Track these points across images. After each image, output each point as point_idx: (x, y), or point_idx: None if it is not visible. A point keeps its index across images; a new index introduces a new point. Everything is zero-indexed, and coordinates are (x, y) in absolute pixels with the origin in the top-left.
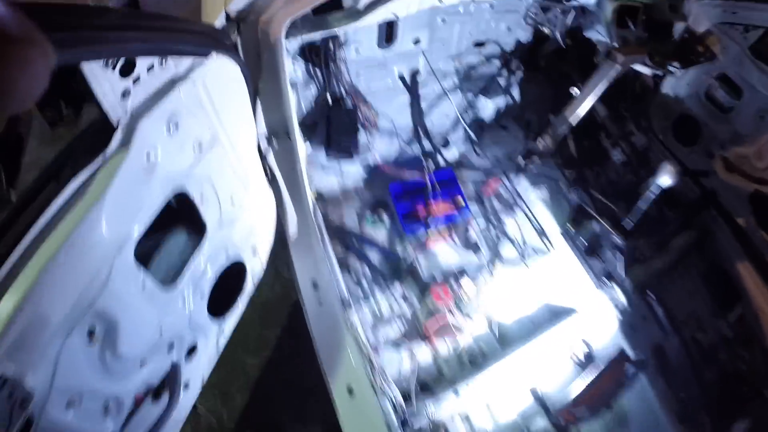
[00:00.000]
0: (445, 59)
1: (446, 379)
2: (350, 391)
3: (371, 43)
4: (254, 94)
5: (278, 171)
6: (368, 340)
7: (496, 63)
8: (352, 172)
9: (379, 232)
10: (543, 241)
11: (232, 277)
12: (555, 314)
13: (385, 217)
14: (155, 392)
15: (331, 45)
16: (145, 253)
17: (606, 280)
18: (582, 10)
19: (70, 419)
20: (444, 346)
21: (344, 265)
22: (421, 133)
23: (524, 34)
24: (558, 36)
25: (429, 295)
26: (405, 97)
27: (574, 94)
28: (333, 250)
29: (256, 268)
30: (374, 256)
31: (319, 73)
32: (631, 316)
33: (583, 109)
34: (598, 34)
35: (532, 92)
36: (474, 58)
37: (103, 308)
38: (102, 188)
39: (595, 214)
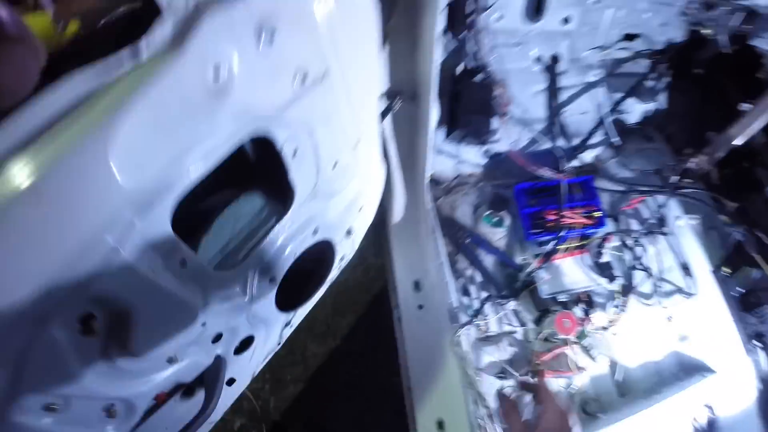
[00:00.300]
0: (590, 48)
1: None
2: (440, 425)
3: (517, 12)
4: (385, 34)
5: (392, 139)
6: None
7: (644, 63)
8: (472, 158)
9: (496, 235)
10: (687, 280)
11: (313, 259)
12: (687, 369)
13: (506, 218)
14: (186, 390)
15: (475, 2)
16: (193, 218)
17: (757, 342)
18: (752, 12)
19: (46, 426)
20: (555, 384)
21: (452, 267)
22: (557, 128)
23: (678, 33)
24: (720, 39)
25: (549, 321)
26: (541, 85)
27: (744, 109)
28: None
29: (346, 252)
30: (488, 261)
31: (452, 37)
32: None
33: (753, 130)
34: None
35: (679, 102)
36: (622, 53)
37: (106, 291)
38: (122, 104)
39: (761, 260)
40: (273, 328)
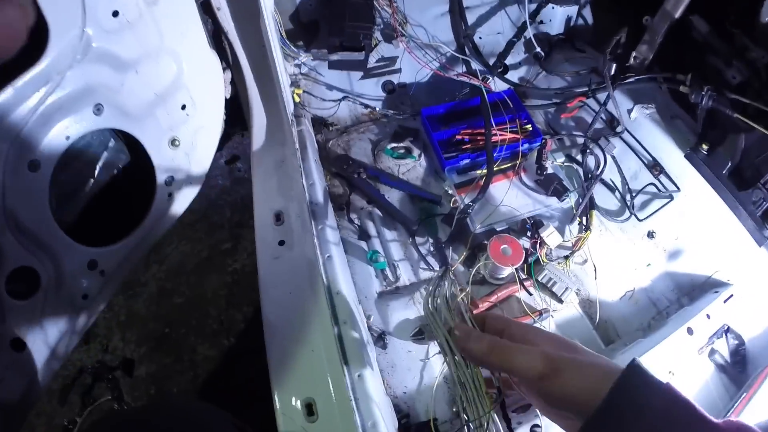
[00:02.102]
0: None
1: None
2: (310, 409)
3: None
4: None
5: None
6: (369, 327)
7: None
8: (369, 92)
9: (403, 168)
10: (657, 178)
11: (125, 178)
12: (689, 290)
13: (415, 150)
14: None
15: None
16: None
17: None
18: None
19: None
20: None
21: (343, 209)
22: (468, 49)
23: None
24: None
25: (484, 256)
26: (442, 7)
27: None
28: (320, 172)
29: (178, 174)
30: (394, 197)
31: None
32: None
33: None
34: None
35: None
36: None
37: None
38: None
39: (743, 118)
40: (63, 261)
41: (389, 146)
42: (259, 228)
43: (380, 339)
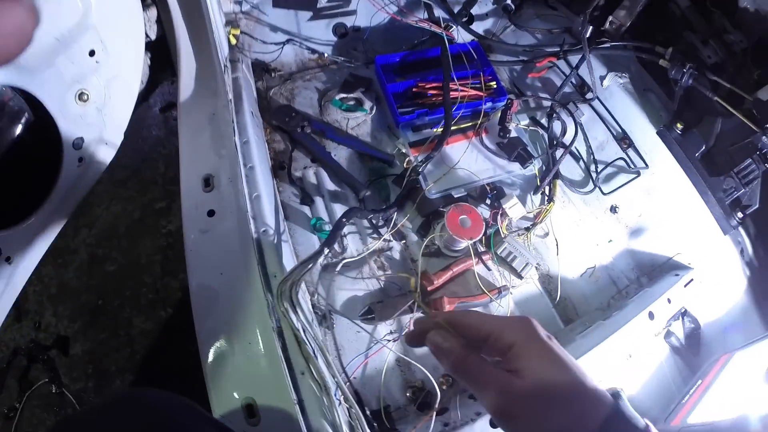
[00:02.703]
0: None
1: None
2: (250, 410)
3: None
4: None
5: None
6: (312, 305)
7: None
8: (318, 34)
9: (352, 122)
10: (629, 153)
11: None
12: (649, 271)
13: (367, 102)
14: None
15: None
16: None
17: (736, 215)
18: None
19: None
20: None
21: (284, 164)
22: None
23: None
24: None
25: (440, 225)
26: None
27: None
28: (257, 127)
29: (88, 135)
30: (341, 156)
31: None
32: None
33: None
34: None
35: None
36: None
37: None
38: None
39: (722, 102)
40: None
41: (338, 97)
42: (185, 194)
43: (325, 318)
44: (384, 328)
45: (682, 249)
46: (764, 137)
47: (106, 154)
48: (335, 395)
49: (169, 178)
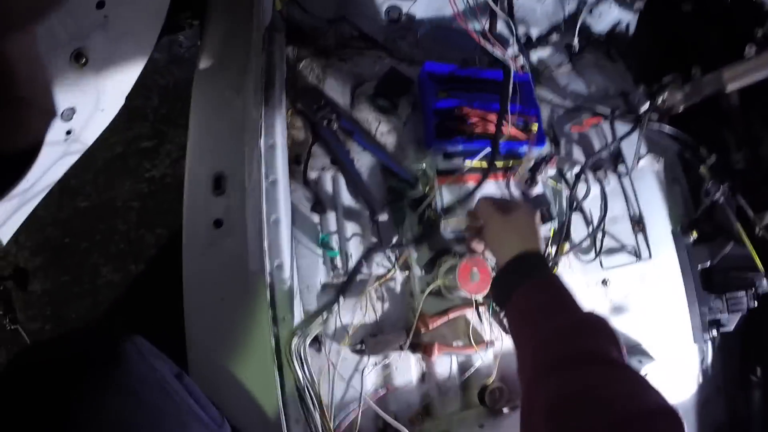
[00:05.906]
0: None
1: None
2: None
3: None
4: None
5: None
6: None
7: None
8: (367, 11)
9: (382, 126)
10: (637, 237)
11: None
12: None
13: (403, 106)
14: None
15: None
16: None
17: (709, 333)
18: None
19: None
20: (445, 365)
21: (300, 159)
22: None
23: None
24: None
25: (447, 267)
26: None
27: (747, 53)
28: (283, 121)
29: (81, 103)
30: (363, 162)
31: None
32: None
33: (752, 79)
34: None
35: (651, 28)
36: None
37: None
38: None
39: (742, 233)
40: None
41: (373, 93)
42: (189, 194)
43: (316, 341)
44: (372, 361)
45: (652, 339)
46: (765, 279)
47: (100, 122)
48: None
49: (162, 115)
